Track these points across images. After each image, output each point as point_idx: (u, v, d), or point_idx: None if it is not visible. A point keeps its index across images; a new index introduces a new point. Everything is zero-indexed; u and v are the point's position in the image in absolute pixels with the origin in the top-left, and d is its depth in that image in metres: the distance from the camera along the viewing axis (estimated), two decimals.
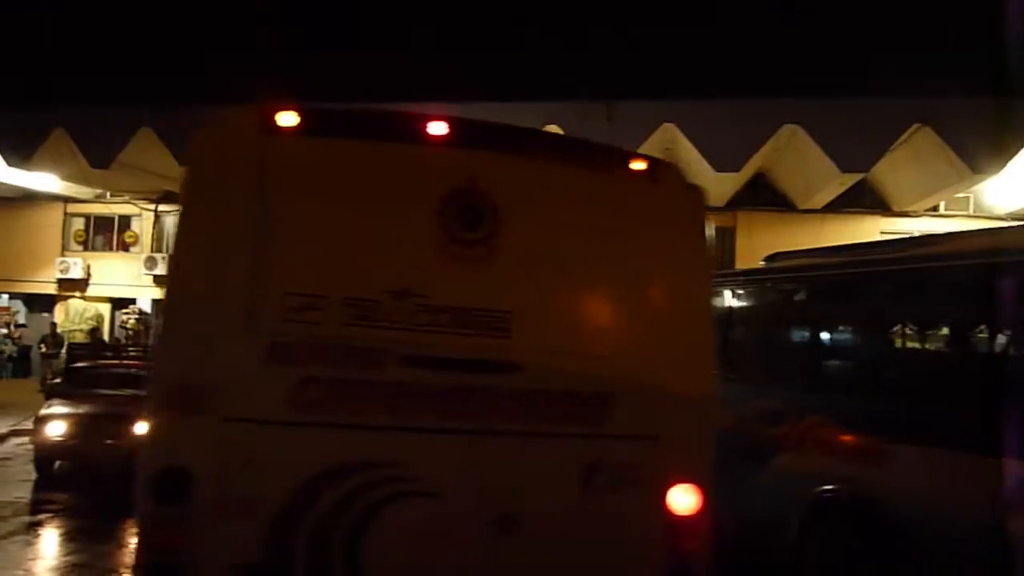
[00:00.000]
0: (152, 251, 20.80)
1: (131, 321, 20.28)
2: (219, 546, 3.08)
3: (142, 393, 11.47)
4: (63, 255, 21.46)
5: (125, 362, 12.88)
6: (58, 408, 10.52)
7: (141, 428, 10.53)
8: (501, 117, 3.87)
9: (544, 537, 3.34)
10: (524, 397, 3.36)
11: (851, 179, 15.12)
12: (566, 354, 3.44)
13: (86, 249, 21.82)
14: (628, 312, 3.58)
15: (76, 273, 20.98)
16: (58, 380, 17.92)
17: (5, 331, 20.97)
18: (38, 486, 10.16)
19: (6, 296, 22.43)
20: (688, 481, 3.51)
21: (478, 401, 3.33)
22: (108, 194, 21.28)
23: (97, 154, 16.30)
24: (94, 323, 20.90)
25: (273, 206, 3.24)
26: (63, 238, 21.81)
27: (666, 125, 14.16)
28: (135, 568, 3.15)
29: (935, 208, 18.18)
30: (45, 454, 10.23)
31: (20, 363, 21.29)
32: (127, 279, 21.11)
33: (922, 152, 14.56)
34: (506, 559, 3.31)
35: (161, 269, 20.32)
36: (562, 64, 15.23)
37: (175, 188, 18.98)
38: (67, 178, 19.05)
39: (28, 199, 21.43)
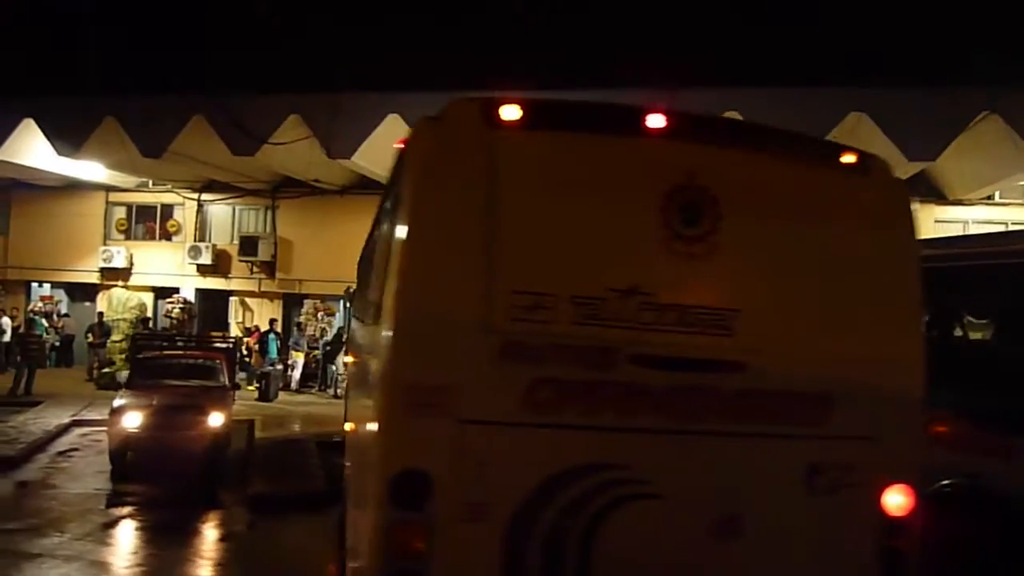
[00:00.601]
0: (195, 240, 20.72)
1: (176, 310, 20.21)
2: (457, 551, 3.03)
3: (210, 384, 11.51)
4: (105, 244, 21.39)
5: (190, 352, 12.85)
6: (131, 399, 10.46)
7: (216, 419, 10.54)
8: None
9: (765, 539, 3.31)
10: (747, 397, 3.33)
11: (915, 168, 14.87)
12: (786, 353, 3.40)
13: (128, 238, 21.71)
14: (843, 309, 3.51)
15: (119, 262, 20.88)
16: (107, 370, 17.99)
17: (46, 321, 20.91)
18: (114, 477, 10.13)
19: (48, 285, 22.41)
20: (902, 482, 3.48)
21: (702, 401, 3.29)
22: (150, 183, 21.19)
23: (148, 143, 16.18)
24: (137, 312, 20.82)
25: (498, 202, 3.17)
26: (105, 227, 21.74)
27: (730, 114, 13.92)
28: (372, 572, 3.06)
29: (990, 197, 17.91)
30: (120, 445, 10.18)
31: (63, 352, 21.29)
32: (169, 268, 21.03)
33: (987, 140, 14.28)
34: (728, 561, 3.29)
35: (205, 258, 20.27)
36: (623, 51, 15.02)
37: (220, 177, 18.97)
38: (113, 167, 18.94)
39: (69, 188, 21.35)
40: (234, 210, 21.09)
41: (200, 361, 12.07)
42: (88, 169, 19.32)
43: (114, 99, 16.19)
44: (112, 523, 8.47)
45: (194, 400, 10.71)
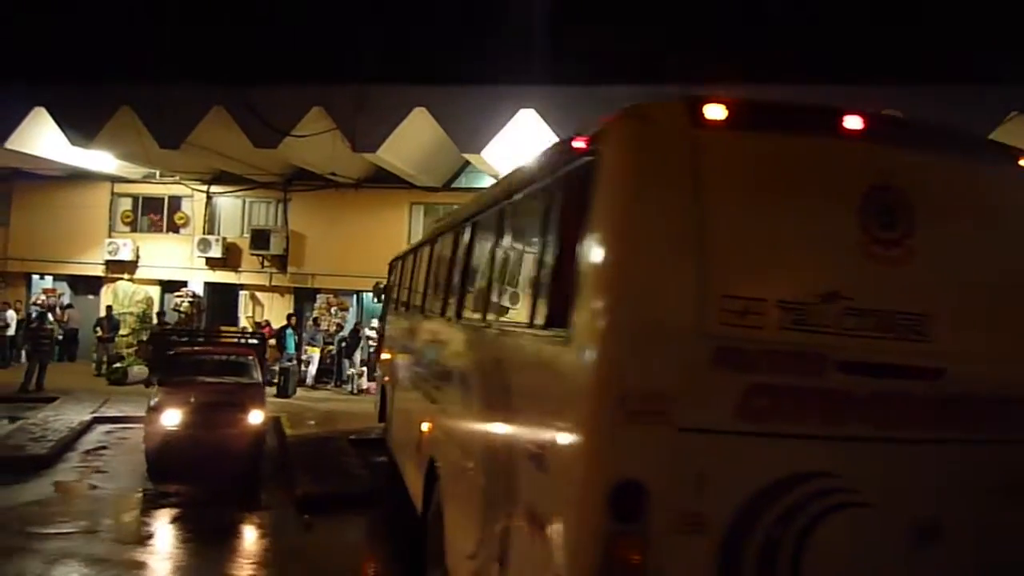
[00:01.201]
0: (204, 233, 20.37)
1: (185, 304, 19.86)
2: (673, 562, 2.94)
3: (244, 380, 11.30)
4: (111, 236, 20.97)
5: (221, 348, 12.59)
6: (168, 397, 10.20)
7: (256, 417, 10.34)
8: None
9: (960, 546, 3.27)
10: (947, 403, 3.26)
11: None
12: (982, 358, 3.34)
13: (133, 230, 21.28)
14: None
15: (126, 255, 20.45)
16: (118, 365, 17.65)
17: (51, 314, 20.45)
18: (154, 477, 9.87)
19: (49, 278, 21.92)
20: None
21: (904, 407, 3.21)
22: (158, 174, 20.80)
23: (165, 134, 15.83)
24: (144, 306, 20.47)
25: (703, 204, 3.07)
26: (110, 219, 21.29)
27: None
28: None
29: None
30: (159, 444, 9.92)
31: (67, 346, 20.82)
32: (177, 261, 20.65)
33: (1015, 140, 14.42)
34: (926, 570, 3.23)
35: (215, 251, 19.95)
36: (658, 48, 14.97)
37: (232, 169, 18.63)
38: (124, 157, 18.53)
39: (73, 178, 20.90)
40: (244, 202, 20.76)
41: (232, 357, 11.83)
42: (95, 159, 18.92)
43: (130, 88, 15.83)
44: (164, 526, 8.28)
45: (233, 397, 10.50)
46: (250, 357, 11.95)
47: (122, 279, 20.91)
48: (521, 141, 14.70)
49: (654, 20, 16.74)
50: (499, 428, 4.25)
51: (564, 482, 3.16)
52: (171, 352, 11.79)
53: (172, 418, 9.91)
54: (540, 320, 3.65)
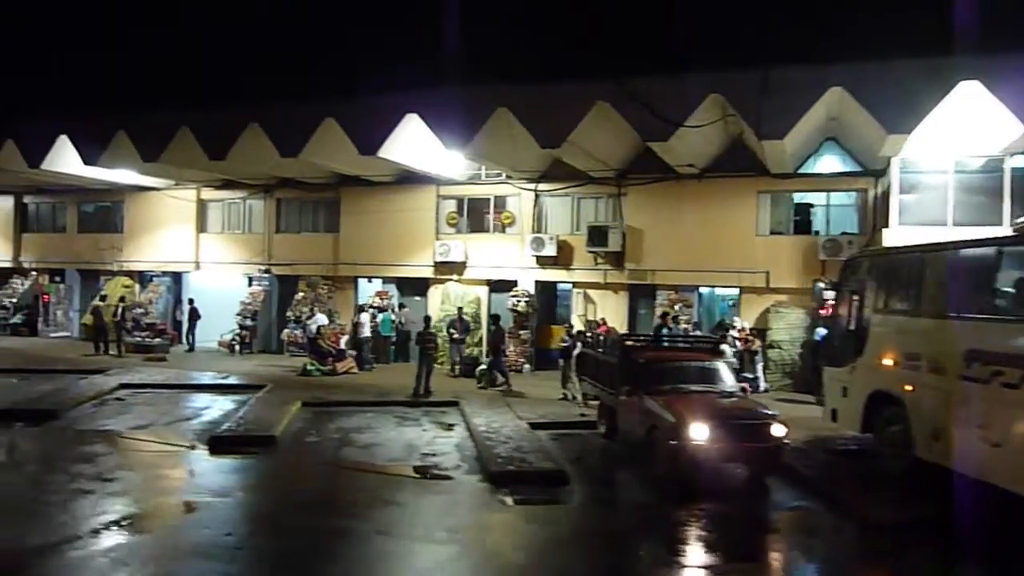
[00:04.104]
0: (532, 231, 20.23)
1: (521, 304, 19.84)
2: None
3: (721, 388, 10.70)
4: (438, 238, 21.34)
5: (688, 355, 12.05)
6: (683, 409, 9.65)
7: (779, 430, 9.66)
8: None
9: None
10: None
11: None
12: None
13: (458, 231, 21.57)
14: None
15: (456, 256, 20.73)
16: (483, 367, 17.71)
17: (393, 317, 21.10)
18: (675, 491, 9.37)
19: (378, 281, 22.67)
20: None
21: None
22: (483, 174, 20.94)
23: (546, 134, 15.65)
24: (475, 307, 20.64)
25: None
26: (436, 221, 21.66)
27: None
28: None
29: None
30: (689, 459, 9.42)
31: (402, 347, 21.44)
32: (504, 261, 20.70)
33: None
34: None
35: (548, 250, 19.81)
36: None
37: (576, 163, 18.15)
38: (476, 158, 18.67)
39: (399, 183, 21.48)
40: (573, 199, 20.42)
41: (706, 363, 11.25)
42: (437, 163, 19.22)
43: (505, 90, 15.75)
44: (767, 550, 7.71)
45: (752, 410, 9.95)
46: (719, 362, 11.35)
47: (451, 280, 21.23)
48: (961, 117, 13.32)
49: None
50: None
51: None
52: (641, 360, 11.34)
53: (699, 433, 9.39)
54: None
